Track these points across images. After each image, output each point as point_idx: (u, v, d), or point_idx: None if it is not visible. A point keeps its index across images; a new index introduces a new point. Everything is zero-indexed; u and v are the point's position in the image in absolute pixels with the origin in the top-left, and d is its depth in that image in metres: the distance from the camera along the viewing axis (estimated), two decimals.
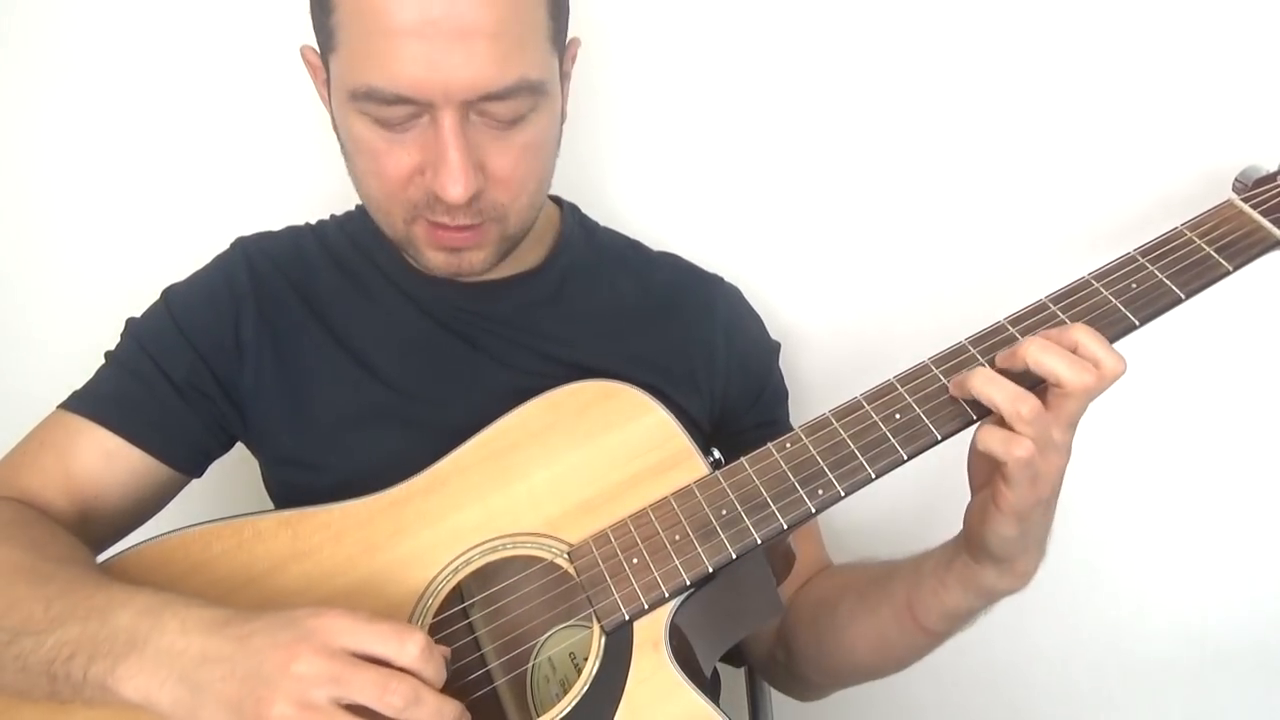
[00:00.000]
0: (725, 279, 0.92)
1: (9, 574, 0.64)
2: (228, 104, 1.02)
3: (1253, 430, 1.00)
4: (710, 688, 0.81)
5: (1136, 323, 0.66)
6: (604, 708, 0.63)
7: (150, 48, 1.00)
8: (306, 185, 0.97)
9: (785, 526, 0.66)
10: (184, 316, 0.79)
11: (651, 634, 0.66)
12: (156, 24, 0.99)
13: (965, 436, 0.67)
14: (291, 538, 0.71)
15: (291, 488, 0.79)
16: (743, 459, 0.69)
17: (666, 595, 0.66)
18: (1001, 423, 0.62)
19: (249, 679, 0.55)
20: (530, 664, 0.72)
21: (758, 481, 0.68)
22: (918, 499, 1.02)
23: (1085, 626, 1.13)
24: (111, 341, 0.81)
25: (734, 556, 0.66)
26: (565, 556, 0.69)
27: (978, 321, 0.68)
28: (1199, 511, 1.05)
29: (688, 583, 0.66)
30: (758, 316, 0.92)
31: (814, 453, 0.67)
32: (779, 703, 0.96)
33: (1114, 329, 0.66)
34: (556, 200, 0.90)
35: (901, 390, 0.67)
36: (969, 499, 0.69)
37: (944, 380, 0.66)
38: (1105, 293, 0.67)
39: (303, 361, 0.80)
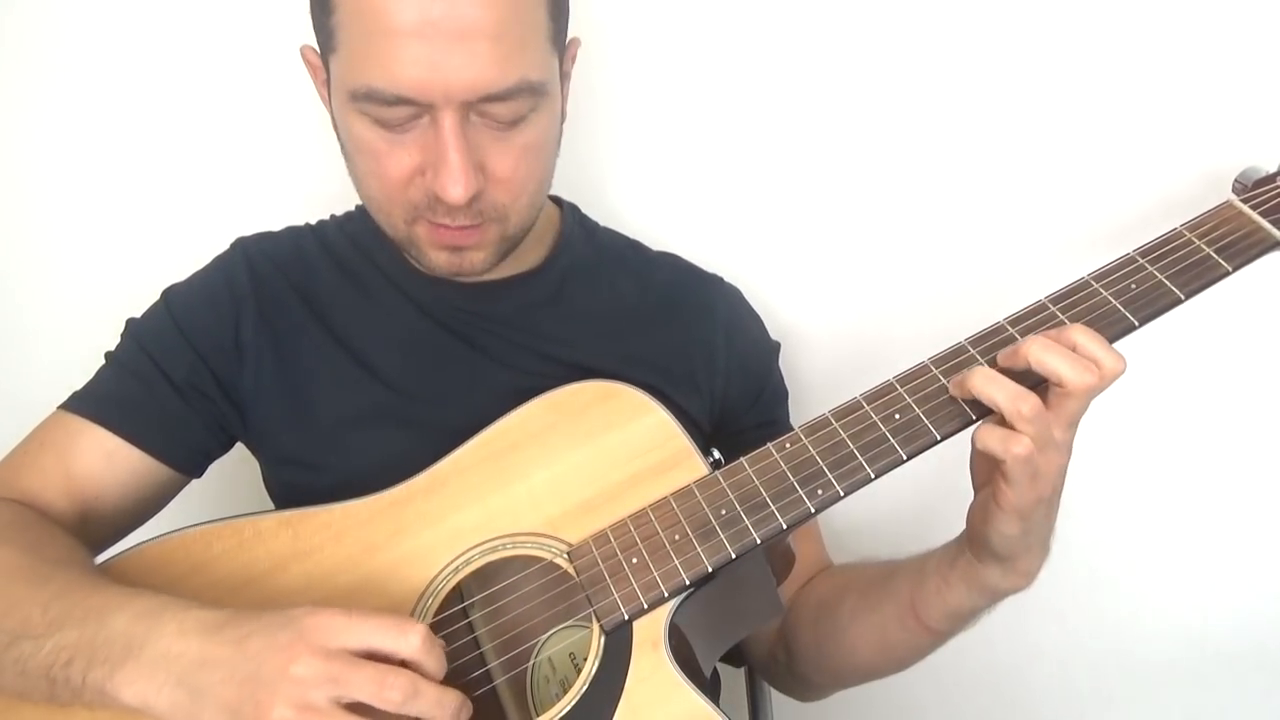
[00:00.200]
0: (725, 279, 0.92)
1: (8, 576, 0.64)
2: (228, 104, 1.02)
3: (1253, 431, 1.00)
4: (710, 688, 0.81)
5: (1136, 323, 0.66)
6: (603, 707, 0.63)
7: (150, 48, 1.00)
8: (306, 185, 0.97)
9: (785, 526, 0.66)
10: (184, 317, 0.80)
11: (651, 634, 0.66)
12: (156, 24, 0.99)
13: (965, 437, 0.67)
14: (292, 538, 0.71)
15: (292, 488, 0.79)
16: (742, 459, 0.69)
17: (666, 595, 0.66)
18: (1002, 422, 0.63)
19: (248, 682, 0.55)
20: (530, 663, 0.72)
21: (757, 481, 0.68)
22: (917, 499, 1.02)
23: (1085, 627, 1.13)
24: (112, 342, 0.81)
25: (733, 556, 0.66)
26: (565, 556, 0.69)
27: (977, 322, 0.68)
28: (1199, 512, 1.05)
29: (687, 583, 0.66)
30: (758, 317, 0.92)
31: (813, 453, 0.67)
32: (779, 703, 0.96)
33: (1113, 329, 0.66)
34: (556, 200, 0.90)
35: (901, 390, 0.67)
36: (970, 499, 0.69)
37: (943, 380, 0.66)
38: (1105, 293, 0.67)
39: (303, 362, 0.80)
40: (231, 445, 0.83)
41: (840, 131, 0.96)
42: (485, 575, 0.71)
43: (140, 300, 0.82)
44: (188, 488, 0.82)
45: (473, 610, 0.72)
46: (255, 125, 1.02)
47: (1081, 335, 0.62)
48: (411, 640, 0.57)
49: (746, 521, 0.67)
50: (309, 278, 0.82)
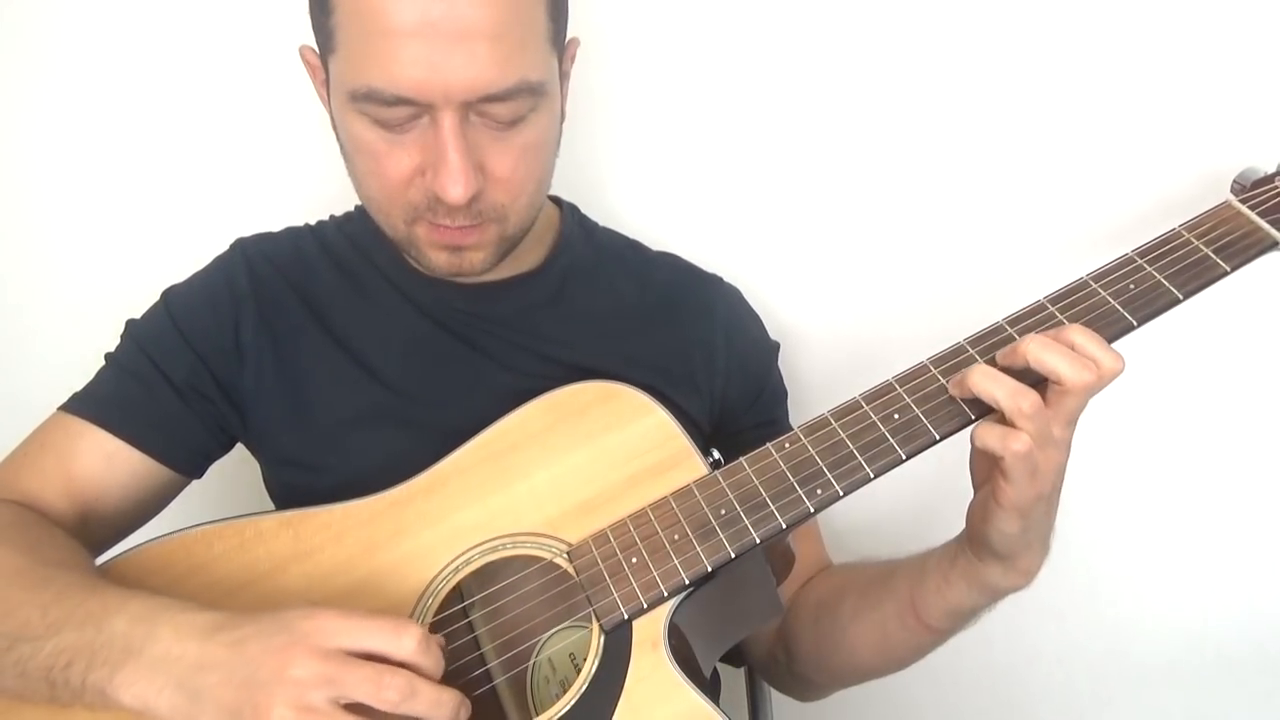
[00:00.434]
0: (725, 279, 0.92)
1: (7, 578, 0.64)
2: (228, 105, 1.02)
3: (1252, 431, 1.00)
4: (710, 688, 0.81)
5: (1135, 323, 0.66)
6: (603, 706, 0.64)
7: (150, 48, 1.00)
8: (306, 186, 0.98)
9: (784, 526, 0.66)
10: (184, 318, 0.80)
11: (650, 633, 0.66)
12: (156, 24, 0.99)
13: (964, 437, 0.67)
14: (293, 538, 0.71)
15: (292, 488, 0.79)
16: (742, 459, 0.69)
17: (665, 595, 0.66)
18: (1001, 420, 0.63)
19: (246, 685, 0.55)
20: (530, 663, 0.72)
21: (757, 481, 0.68)
22: (917, 499, 1.02)
23: (1085, 628, 1.13)
24: (112, 343, 0.81)
25: (733, 556, 0.66)
26: (565, 556, 0.69)
27: (976, 322, 0.69)
28: (1199, 513, 1.05)
29: (686, 582, 0.66)
30: (757, 317, 0.92)
31: (813, 453, 0.67)
32: (779, 703, 0.96)
33: (1112, 329, 0.66)
34: (556, 200, 0.90)
35: (900, 390, 0.67)
36: (969, 497, 0.69)
37: (942, 380, 0.67)
38: (1103, 293, 0.67)
39: (303, 362, 0.80)
40: (232, 446, 0.83)
41: (840, 132, 0.97)
42: (485, 575, 0.71)
43: (140, 301, 0.82)
44: (188, 489, 0.82)
45: (473, 610, 0.72)
46: (255, 126, 1.02)
47: (1080, 335, 0.63)
48: (407, 642, 0.57)
49: (746, 521, 0.67)
50: (309, 278, 0.82)
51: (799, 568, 0.78)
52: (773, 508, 0.67)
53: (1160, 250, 0.69)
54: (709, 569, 0.66)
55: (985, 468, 0.67)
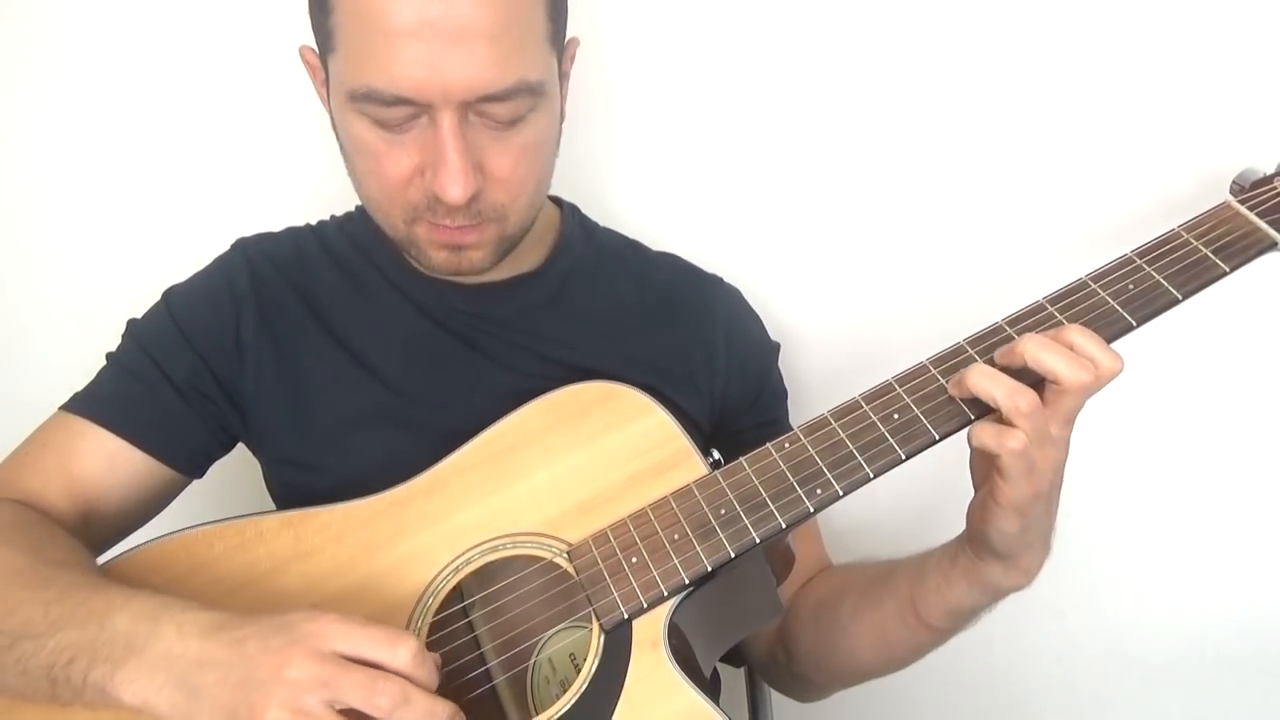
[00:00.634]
0: (725, 279, 0.92)
1: (9, 577, 0.64)
2: (228, 105, 1.02)
3: (1251, 431, 1.00)
4: (710, 688, 0.81)
5: (1134, 323, 0.66)
6: (603, 706, 0.64)
7: (150, 48, 1.00)
8: (307, 186, 0.98)
9: (784, 526, 0.66)
10: (184, 318, 0.80)
11: (650, 633, 0.66)
12: (156, 24, 0.99)
13: (964, 436, 0.67)
14: (293, 538, 0.71)
15: (293, 488, 0.79)
16: (741, 459, 0.70)
17: (665, 594, 0.66)
18: (999, 419, 0.63)
19: (243, 684, 0.55)
20: (530, 663, 0.72)
21: (756, 481, 0.68)
22: (917, 499, 1.02)
23: (1085, 628, 1.13)
24: (113, 343, 0.81)
25: (732, 556, 0.66)
26: (565, 556, 0.69)
27: (976, 322, 0.69)
28: (1198, 513, 1.05)
29: (686, 582, 0.66)
30: (757, 317, 0.92)
31: (812, 453, 0.67)
32: (779, 703, 0.96)
33: (1111, 330, 0.66)
34: (556, 201, 0.90)
35: (900, 390, 0.67)
36: (969, 497, 0.69)
37: (942, 381, 0.67)
38: (1102, 294, 0.67)
39: (303, 362, 0.80)
40: (233, 446, 0.83)
41: (840, 132, 0.97)
42: (485, 575, 0.71)
43: (141, 301, 0.82)
44: (189, 488, 0.82)
45: (473, 610, 0.72)
46: (255, 126, 1.03)
47: (1078, 335, 0.63)
48: (401, 654, 0.57)
49: (746, 521, 0.67)
50: (309, 278, 0.82)
51: (799, 568, 0.78)
52: (772, 508, 0.67)
53: (1159, 250, 0.69)
54: (709, 569, 0.66)
55: (985, 467, 0.67)
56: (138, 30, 0.99)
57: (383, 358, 0.80)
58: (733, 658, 0.91)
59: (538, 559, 0.70)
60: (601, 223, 0.92)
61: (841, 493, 0.66)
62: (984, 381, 0.63)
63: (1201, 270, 0.68)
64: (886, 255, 1.01)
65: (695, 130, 0.99)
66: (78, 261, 1.09)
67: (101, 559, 0.72)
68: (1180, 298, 0.67)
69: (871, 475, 0.66)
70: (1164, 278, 0.67)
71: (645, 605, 0.66)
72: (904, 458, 0.66)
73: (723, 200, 1.01)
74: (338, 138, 0.73)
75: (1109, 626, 1.12)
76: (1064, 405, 0.62)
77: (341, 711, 0.55)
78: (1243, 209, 0.70)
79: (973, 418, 0.65)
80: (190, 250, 0.85)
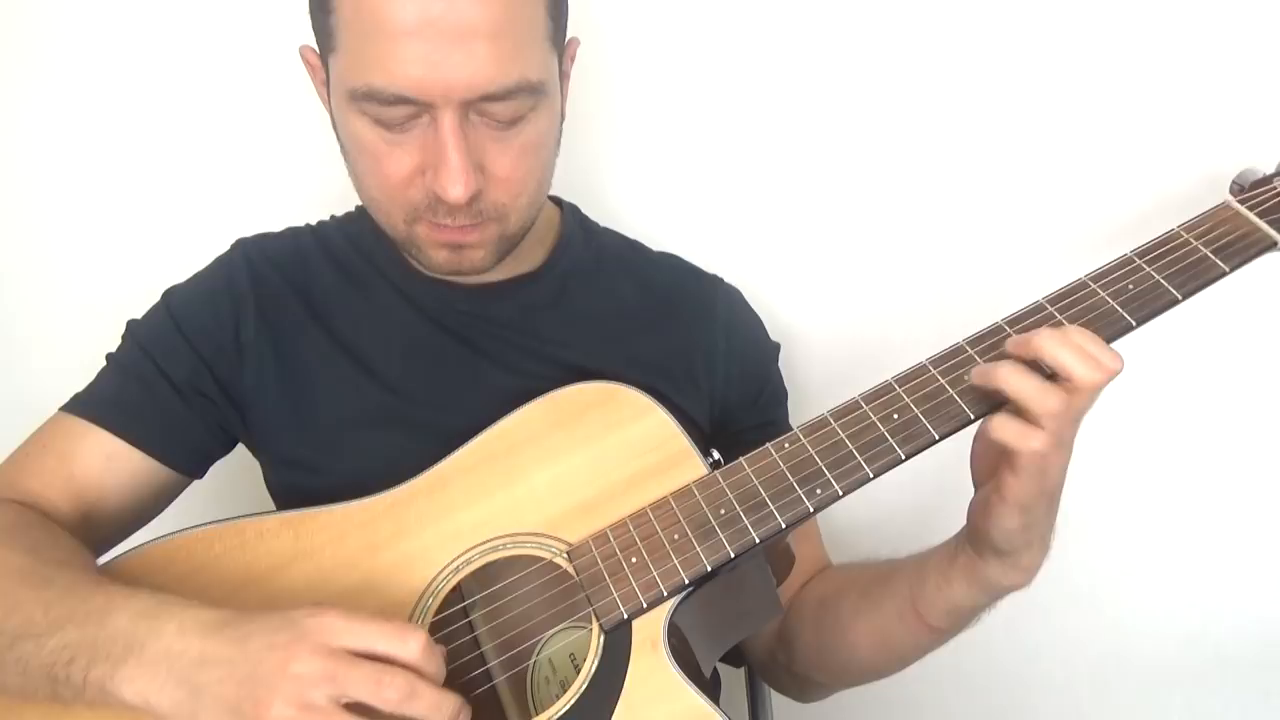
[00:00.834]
0: (725, 279, 0.92)
1: (10, 577, 0.64)
2: (228, 105, 1.02)
3: (1251, 431, 1.00)
4: (710, 688, 0.81)
5: (1134, 323, 0.66)
6: (603, 706, 0.64)
7: (150, 48, 1.00)
8: (307, 186, 0.98)
9: (783, 526, 0.66)
10: (184, 318, 0.80)
11: (650, 633, 0.66)
12: (156, 24, 0.99)
13: (963, 436, 0.67)
14: (294, 538, 0.71)
15: (293, 489, 0.79)
16: (741, 459, 0.70)
17: (665, 594, 0.66)
18: (1013, 414, 0.62)
19: (247, 681, 0.55)
20: (530, 663, 0.72)
21: (756, 481, 0.68)
22: (917, 498, 1.02)
23: (1085, 627, 1.13)
24: (113, 343, 0.81)
25: (732, 555, 0.66)
26: (565, 556, 0.69)
27: (975, 322, 0.69)
28: (1198, 513, 1.05)
29: (686, 582, 0.66)
30: (758, 317, 0.92)
31: (812, 453, 0.67)
32: (779, 703, 0.96)
33: (1111, 330, 0.66)
34: (556, 201, 0.90)
35: (899, 391, 0.67)
36: (969, 497, 0.69)
37: (941, 381, 0.67)
38: (1102, 294, 0.67)
39: (303, 363, 0.80)
40: (233, 446, 0.83)
41: (840, 132, 0.97)
42: (485, 575, 0.71)
43: (140, 301, 0.82)
44: (190, 489, 0.82)
45: (473, 610, 0.72)
46: (255, 126, 1.03)
47: (1078, 336, 0.63)
48: (411, 646, 0.57)
49: (746, 521, 0.67)
50: (309, 279, 0.82)
51: (799, 568, 0.78)
52: (772, 508, 0.67)
53: (1159, 250, 0.69)
54: (709, 569, 0.66)
55: (987, 466, 0.67)
56: (138, 30, 0.99)
57: (383, 358, 0.80)
58: (733, 658, 0.91)
59: (538, 559, 0.70)
60: (601, 223, 0.92)
61: (841, 493, 0.66)
62: (1015, 377, 0.62)
63: (1201, 270, 0.68)
64: (886, 255, 1.01)
65: (695, 130, 0.99)
66: (78, 262, 1.09)
67: (102, 559, 0.72)
68: (1180, 298, 0.67)
69: (871, 475, 0.66)
70: (1164, 278, 0.67)
71: (645, 605, 0.66)
72: (904, 458, 0.66)
73: (723, 200, 1.01)
74: (338, 138, 0.73)
75: (1109, 626, 1.13)
76: (1074, 405, 0.62)
77: (347, 706, 0.55)
78: (1242, 209, 0.70)
79: (973, 417, 0.65)
80: (190, 250, 0.85)
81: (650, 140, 1.00)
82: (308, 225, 0.87)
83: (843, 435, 0.67)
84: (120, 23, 0.99)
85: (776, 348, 0.92)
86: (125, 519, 0.78)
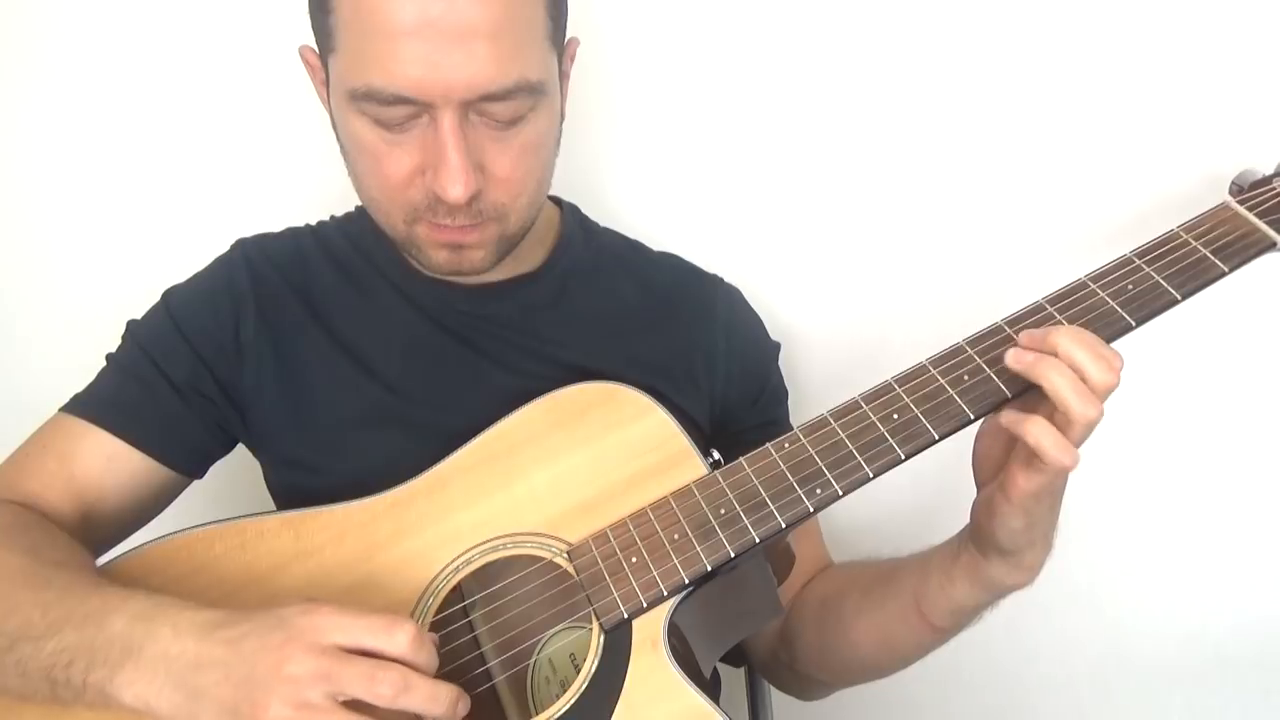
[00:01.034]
0: (725, 279, 0.92)
1: (8, 579, 0.64)
2: (228, 105, 1.02)
3: (1251, 431, 1.00)
4: (710, 687, 0.81)
5: (1133, 324, 0.66)
6: (603, 706, 0.64)
7: (150, 48, 1.00)
8: (306, 186, 0.98)
9: (784, 525, 0.66)
10: (184, 318, 0.80)
11: (650, 633, 0.66)
12: (156, 24, 0.99)
13: (963, 436, 0.67)
14: (294, 538, 0.71)
15: (293, 489, 0.79)
16: (741, 459, 0.70)
17: (665, 594, 0.66)
18: (1030, 410, 0.62)
19: (244, 683, 0.55)
20: (530, 663, 0.72)
21: (756, 481, 0.68)
22: (917, 498, 1.02)
23: (1085, 627, 1.13)
24: (112, 344, 0.81)
25: (732, 555, 0.66)
26: (565, 556, 0.69)
27: (975, 322, 0.69)
28: (1198, 513, 1.05)
29: (686, 581, 0.66)
30: (758, 317, 0.92)
31: (812, 452, 0.68)
32: (779, 703, 0.96)
33: (1110, 330, 0.66)
34: (556, 201, 0.90)
35: (899, 391, 0.67)
36: (969, 496, 0.69)
37: (941, 381, 0.67)
38: (1102, 294, 0.67)
39: (303, 363, 0.80)
40: (233, 446, 0.83)
41: (840, 132, 0.97)
42: (485, 575, 0.71)
43: (140, 301, 0.82)
44: (190, 489, 0.82)
45: (473, 610, 0.72)
46: (255, 126, 1.03)
47: (1085, 336, 0.63)
48: (400, 638, 0.57)
49: (746, 521, 0.67)
50: (309, 279, 0.82)
51: (800, 567, 0.78)
52: (772, 507, 0.67)
53: (1158, 251, 0.69)
54: (709, 568, 0.66)
55: (990, 465, 0.67)
56: (137, 30, 0.99)
57: (383, 358, 0.80)
58: (733, 658, 0.91)
59: (538, 559, 0.70)
60: (602, 223, 0.92)
61: (841, 493, 0.66)
62: (1062, 379, 0.60)
63: (1200, 270, 0.68)
64: (886, 255, 1.01)
65: (695, 131, 0.99)
66: (78, 262, 1.09)
67: (102, 560, 0.72)
68: (1179, 298, 0.67)
69: (871, 475, 0.66)
70: (1163, 278, 0.67)
71: (645, 605, 0.66)
72: (904, 458, 0.66)
73: (723, 200, 1.01)
74: (338, 138, 0.73)
75: (1109, 626, 1.13)
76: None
77: (346, 702, 0.55)
78: (1242, 209, 0.71)
79: (973, 417, 0.66)
80: (190, 250, 0.85)
81: (650, 140, 1.00)
82: (308, 225, 0.87)
83: (843, 435, 0.67)
84: (120, 23, 0.99)
85: (776, 347, 0.92)
86: (125, 519, 0.78)
